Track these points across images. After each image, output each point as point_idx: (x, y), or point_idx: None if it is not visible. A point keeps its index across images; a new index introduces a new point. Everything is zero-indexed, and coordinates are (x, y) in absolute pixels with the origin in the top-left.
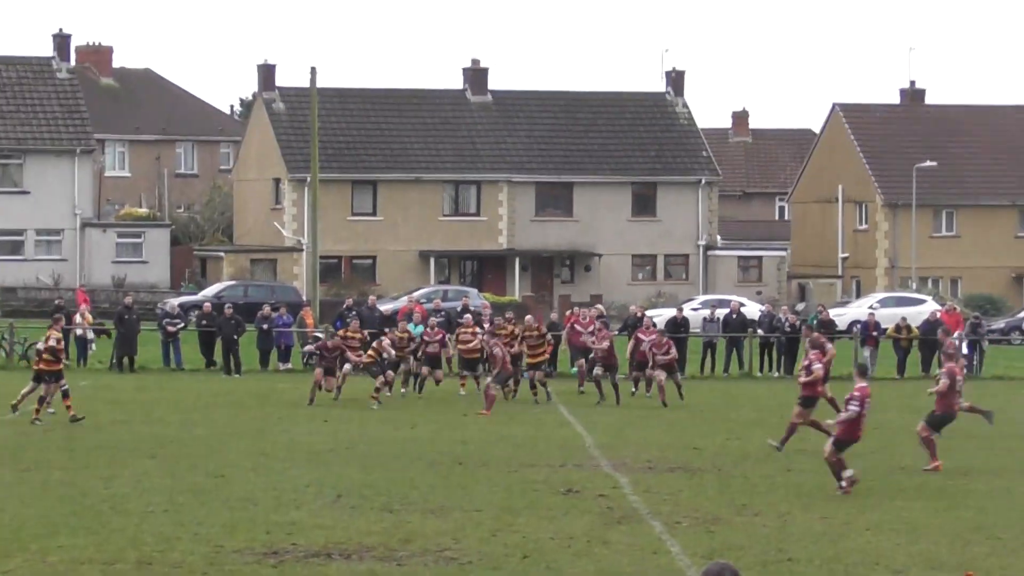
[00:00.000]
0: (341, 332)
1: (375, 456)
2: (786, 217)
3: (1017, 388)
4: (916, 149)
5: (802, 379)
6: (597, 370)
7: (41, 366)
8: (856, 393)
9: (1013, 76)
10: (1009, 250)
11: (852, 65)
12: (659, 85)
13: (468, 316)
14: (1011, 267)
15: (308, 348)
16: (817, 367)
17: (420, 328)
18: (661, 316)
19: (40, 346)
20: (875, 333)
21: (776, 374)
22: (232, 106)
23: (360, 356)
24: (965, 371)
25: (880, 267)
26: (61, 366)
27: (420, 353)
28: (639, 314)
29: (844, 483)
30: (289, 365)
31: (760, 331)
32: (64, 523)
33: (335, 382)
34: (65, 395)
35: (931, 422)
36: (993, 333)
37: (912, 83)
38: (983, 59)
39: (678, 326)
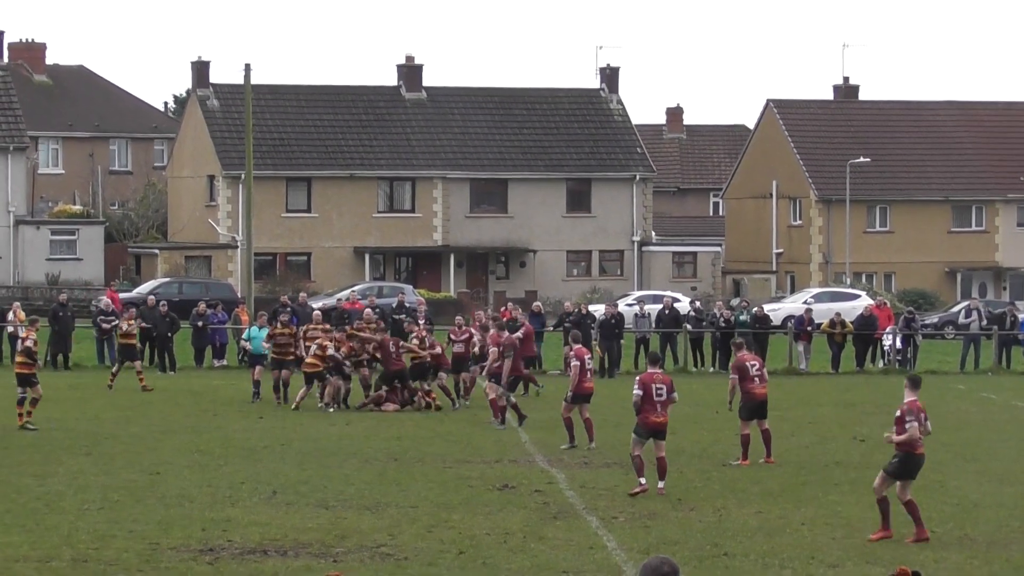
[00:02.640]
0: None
1: (310, 453)
2: (720, 213)
3: (950, 382)
4: (850, 145)
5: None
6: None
7: (21, 369)
8: (906, 407)
9: (946, 72)
10: (942, 245)
11: (786, 62)
12: (593, 82)
13: (459, 318)
14: (944, 262)
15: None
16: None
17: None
18: (596, 312)
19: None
20: (809, 328)
21: (711, 369)
22: (166, 103)
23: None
24: (898, 366)
25: (814, 262)
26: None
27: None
28: (573, 310)
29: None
30: (224, 362)
31: (688, 326)
32: None
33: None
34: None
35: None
36: (926, 328)
37: (846, 79)
38: (916, 55)
39: (611, 324)
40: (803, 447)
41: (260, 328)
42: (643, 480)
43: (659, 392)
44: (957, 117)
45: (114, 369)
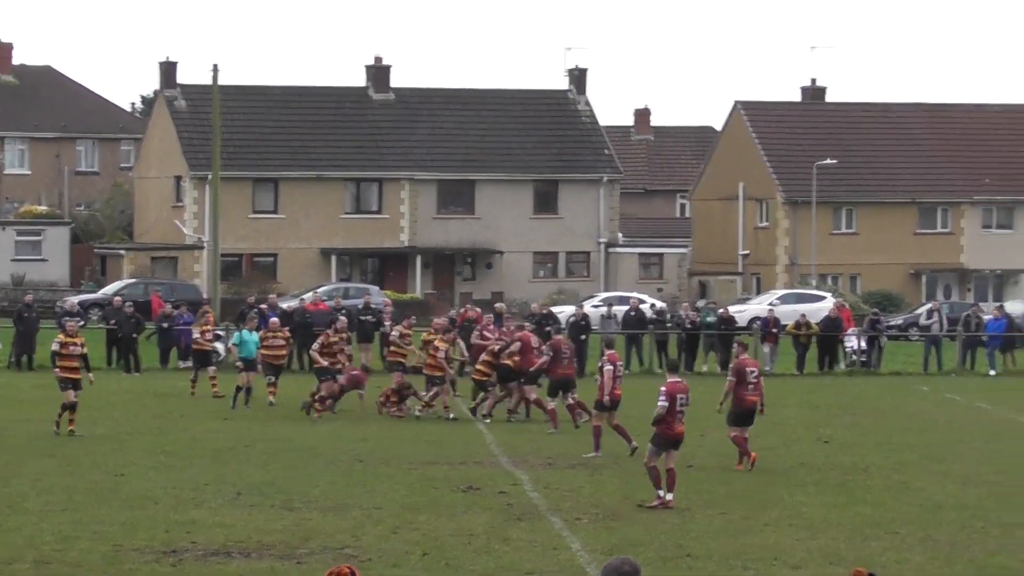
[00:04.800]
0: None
1: (275, 454)
2: (687, 214)
3: (914, 383)
4: (817, 147)
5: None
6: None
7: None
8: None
9: (913, 74)
10: (907, 247)
11: (754, 63)
12: (561, 83)
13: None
14: (909, 264)
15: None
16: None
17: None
18: (563, 313)
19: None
20: (775, 330)
21: None
22: (133, 104)
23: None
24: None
25: (780, 264)
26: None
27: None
28: (541, 312)
29: None
30: (189, 363)
31: (652, 327)
32: None
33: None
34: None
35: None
36: (891, 329)
37: (813, 81)
38: (884, 57)
39: (580, 326)
40: (768, 448)
41: (250, 332)
42: (661, 492)
43: (683, 401)
44: (924, 119)
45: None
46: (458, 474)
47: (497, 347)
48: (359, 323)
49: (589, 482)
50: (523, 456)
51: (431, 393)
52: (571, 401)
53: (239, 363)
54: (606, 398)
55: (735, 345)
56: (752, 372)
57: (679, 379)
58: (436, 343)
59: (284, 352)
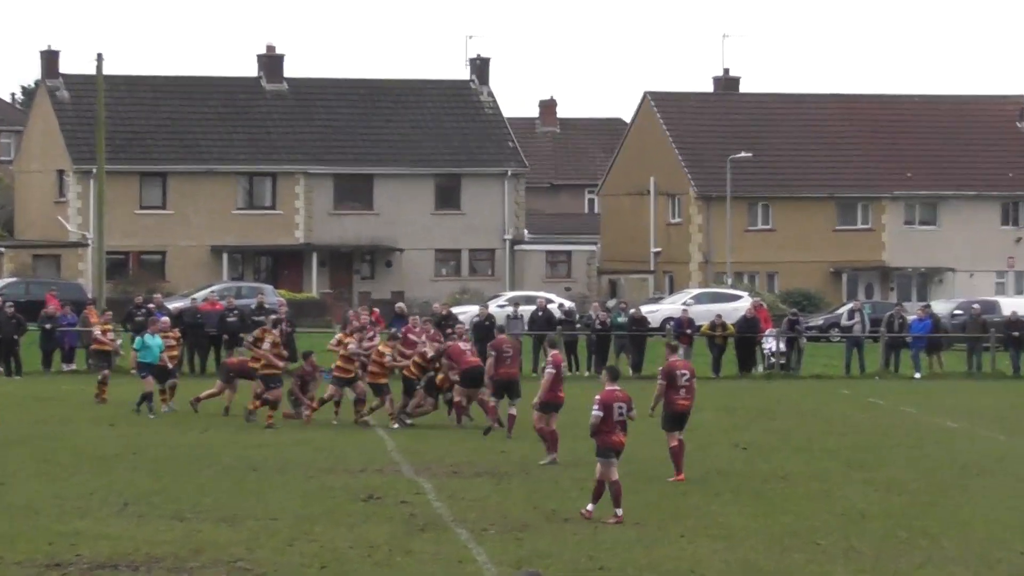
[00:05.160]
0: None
1: (164, 461)
2: (596, 210)
3: (835, 387)
4: (730, 139)
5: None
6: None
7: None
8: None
9: (829, 65)
10: (826, 243)
11: (664, 53)
12: (463, 73)
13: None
14: (829, 261)
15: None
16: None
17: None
18: (466, 314)
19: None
20: (689, 331)
21: (586, 373)
22: (13, 94)
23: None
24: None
25: (694, 262)
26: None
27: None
28: (444, 312)
29: None
30: (73, 366)
31: (560, 328)
32: None
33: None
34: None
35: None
36: (811, 330)
37: (726, 71)
38: (799, 47)
39: (486, 327)
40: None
41: (153, 336)
42: (591, 507)
43: (620, 411)
44: (841, 111)
45: None
46: (358, 482)
47: (430, 352)
48: (252, 324)
49: (496, 491)
50: (426, 463)
51: (379, 403)
52: (490, 403)
53: (135, 370)
54: (537, 401)
55: (665, 347)
56: (684, 375)
57: (617, 388)
58: (380, 347)
59: (175, 354)
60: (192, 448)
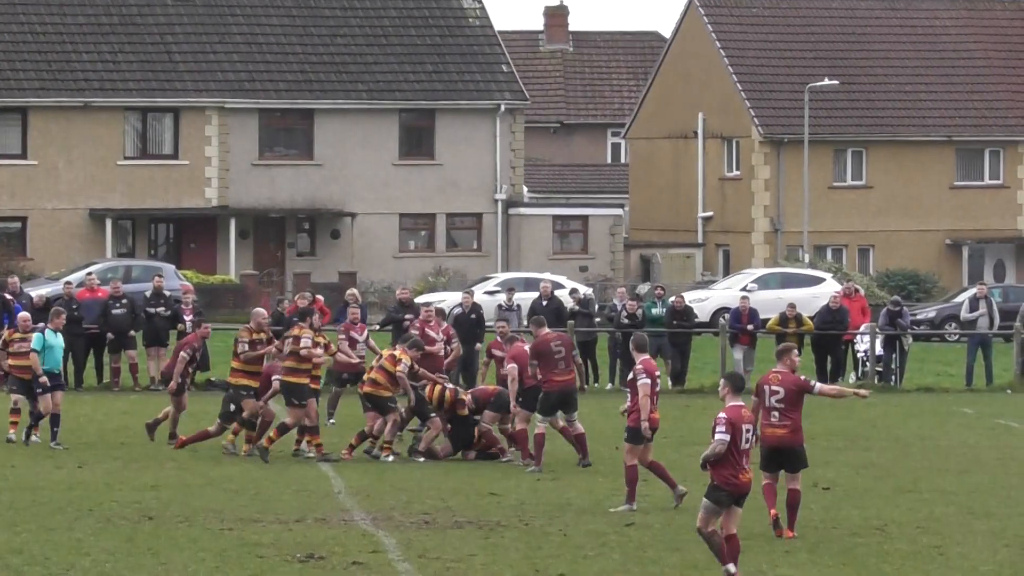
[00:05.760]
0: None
1: (27, 509)
2: (623, 159)
3: (953, 403)
4: (809, 61)
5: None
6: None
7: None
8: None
9: None
10: (942, 205)
11: None
12: None
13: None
14: (945, 230)
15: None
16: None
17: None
18: (444, 303)
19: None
20: (750, 326)
21: (609, 385)
22: None
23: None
24: (875, 379)
25: (759, 231)
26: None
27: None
28: (405, 299)
29: None
30: None
31: (573, 324)
32: None
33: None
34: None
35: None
36: (919, 325)
37: None
38: None
39: (470, 322)
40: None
41: (56, 332)
42: (731, 568)
43: (748, 437)
44: (964, 21)
45: None
46: (293, 537)
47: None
48: (146, 318)
49: (483, 547)
50: (387, 510)
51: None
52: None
53: (44, 378)
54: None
55: (632, 346)
56: (776, 393)
57: (742, 403)
58: (397, 354)
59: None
60: (64, 491)
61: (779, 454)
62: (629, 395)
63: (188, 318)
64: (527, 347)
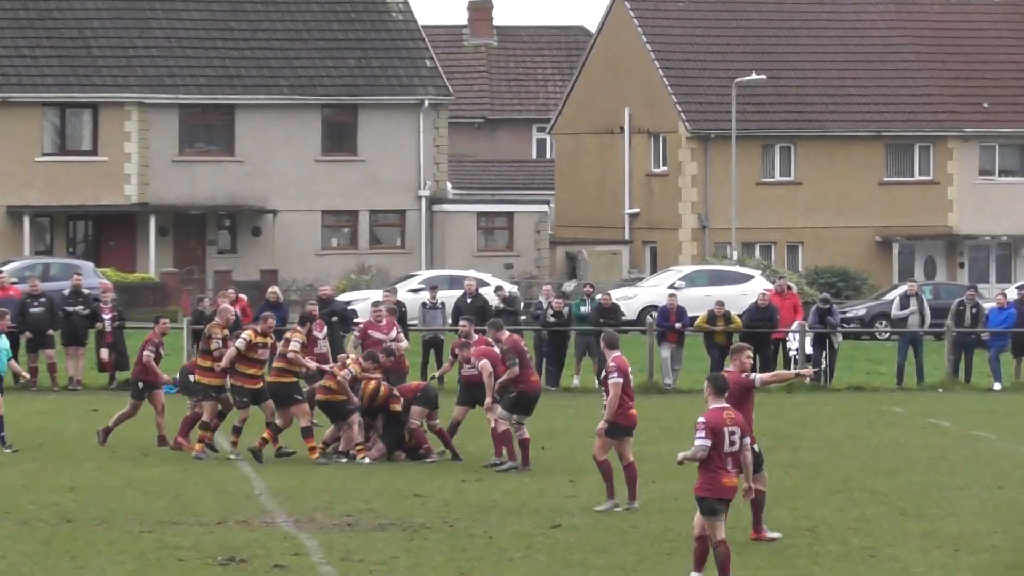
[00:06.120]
0: None
1: None
2: (548, 155)
3: (884, 402)
4: (737, 56)
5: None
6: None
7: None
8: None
9: None
10: (871, 202)
11: None
12: None
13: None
14: (874, 227)
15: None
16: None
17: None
18: (365, 302)
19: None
20: (678, 325)
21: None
22: None
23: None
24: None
25: (686, 228)
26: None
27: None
28: (324, 296)
29: None
30: None
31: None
32: None
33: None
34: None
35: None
36: (849, 323)
37: None
38: None
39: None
40: (669, 499)
41: (0, 334)
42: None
43: (733, 439)
44: (891, 17)
45: None
46: (214, 539)
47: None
48: (65, 317)
49: (408, 551)
50: (310, 512)
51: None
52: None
53: None
54: (606, 422)
55: (603, 341)
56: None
57: (726, 405)
58: (350, 363)
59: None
60: None
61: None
62: (604, 393)
63: (107, 317)
64: (498, 346)
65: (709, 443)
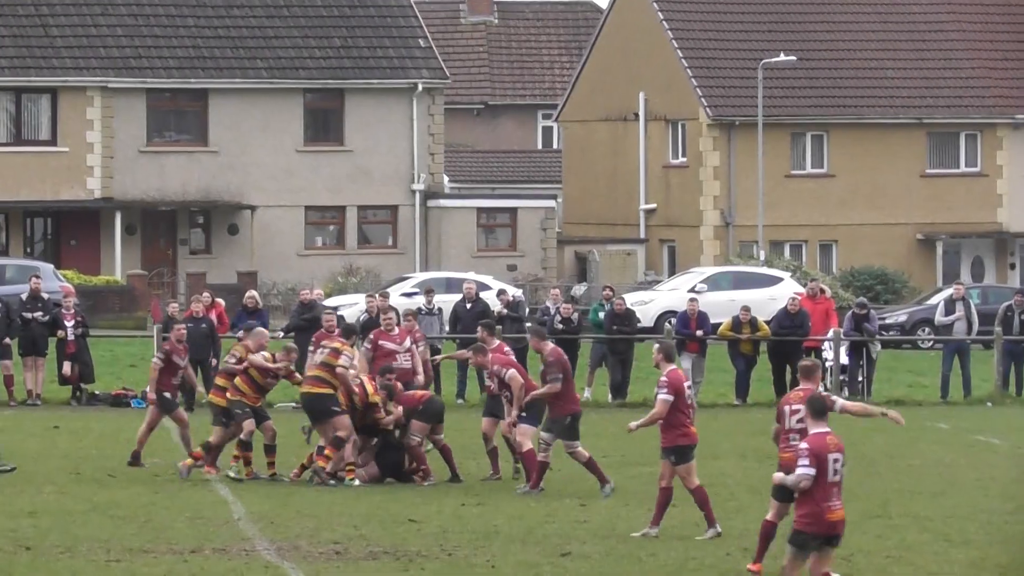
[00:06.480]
0: None
1: None
2: (555, 145)
3: (926, 417)
4: (763, 35)
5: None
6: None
7: None
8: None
9: None
10: (912, 196)
11: None
12: None
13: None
14: (916, 224)
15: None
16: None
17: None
18: (354, 307)
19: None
20: (700, 332)
21: None
22: None
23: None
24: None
25: (708, 225)
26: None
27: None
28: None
29: None
30: None
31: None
32: None
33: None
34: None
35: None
36: (888, 330)
37: None
38: None
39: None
40: (690, 525)
41: None
42: None
43: (837, 467)
44: None
45: None
46: (188, 569)
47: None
48: (22, 324)
49: None
50: (293, 539)
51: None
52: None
53: None
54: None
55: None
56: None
57: (828, 429)
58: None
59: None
60: None
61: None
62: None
63: (69, 324)
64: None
65: (814, 471)
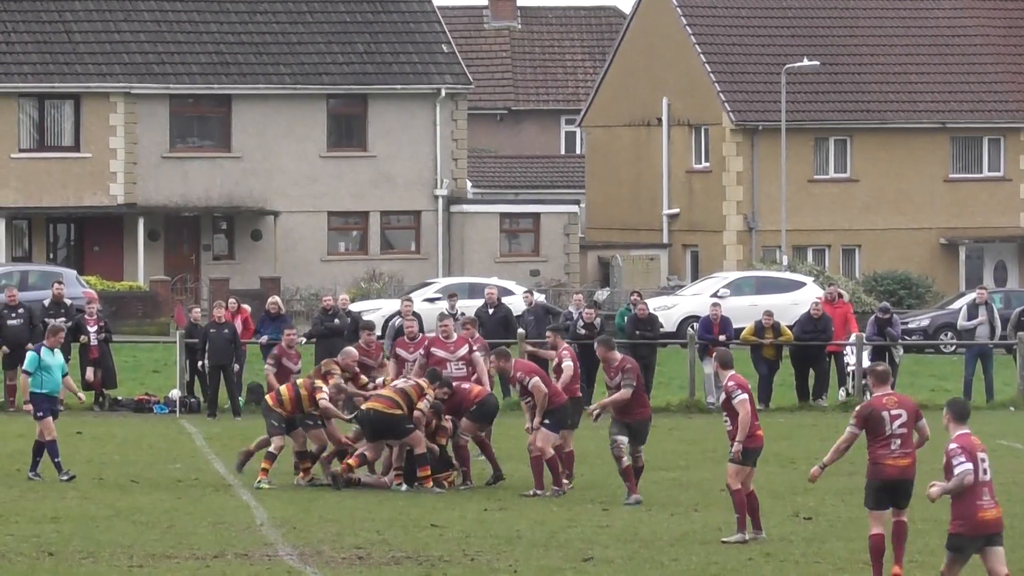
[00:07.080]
0: None
1: None
2: (578, 150)
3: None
4: (787, 41)
5: None
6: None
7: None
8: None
9: None
10: (935, 201)
11: None
12: None
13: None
14: (939, 229)
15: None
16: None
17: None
18: (378, 312)
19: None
20: (722, 337)
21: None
22: None
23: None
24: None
25: (731, 230)
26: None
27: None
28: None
29: None
30: None
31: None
32: None
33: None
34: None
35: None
36: (911, 335)
37: None
38: None
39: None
40: (712, 530)
41: (53, 350)
42: None
43: (985, 467)
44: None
45: None
46: (210, 574)
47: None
48: (43, 329)
49: None
50: (315, 544)
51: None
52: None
53: (29, 405)
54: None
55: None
56: (898, 417)
57: (970, 431)
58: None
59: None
60: None
61: (896, 489)
62: (728, 417)
63: (92, 330)
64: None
65: (971, 466)
